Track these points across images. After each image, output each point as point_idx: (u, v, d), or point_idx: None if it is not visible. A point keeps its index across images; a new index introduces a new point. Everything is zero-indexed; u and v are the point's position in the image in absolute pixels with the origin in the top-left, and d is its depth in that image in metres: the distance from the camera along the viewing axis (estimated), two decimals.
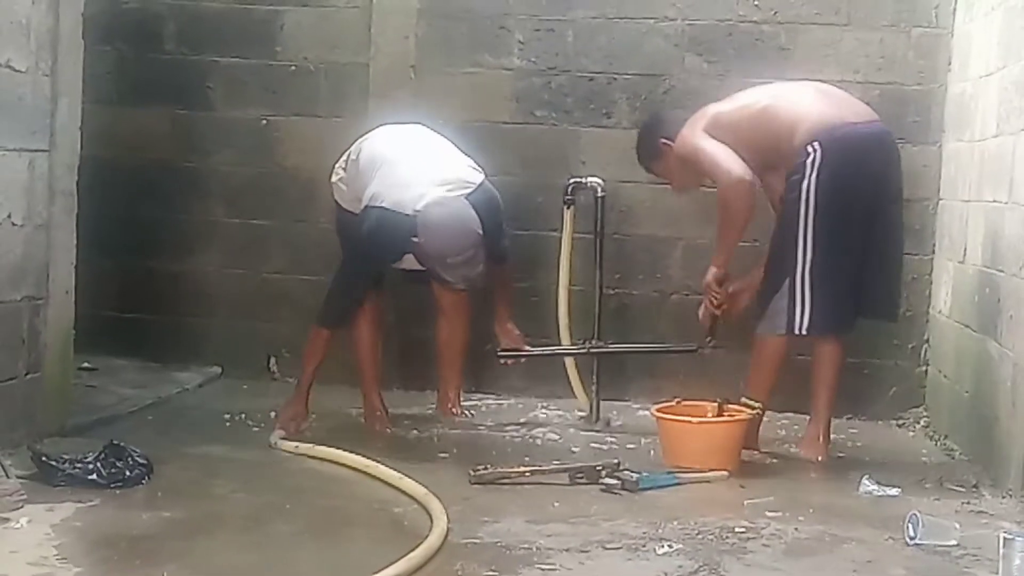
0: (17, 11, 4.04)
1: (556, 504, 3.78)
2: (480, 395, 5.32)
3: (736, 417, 4.37)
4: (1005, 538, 3.15)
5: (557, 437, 4.75)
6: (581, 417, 5.00)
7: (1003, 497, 3.97)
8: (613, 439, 4.73)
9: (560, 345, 5.12)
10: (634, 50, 5.37)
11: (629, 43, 5.38)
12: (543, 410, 5.19)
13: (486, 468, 4.02)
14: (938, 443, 4.86)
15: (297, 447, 4.31)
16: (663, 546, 3.38)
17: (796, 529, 3.61)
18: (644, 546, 3.38)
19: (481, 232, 4.37)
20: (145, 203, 5.59)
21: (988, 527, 3.60)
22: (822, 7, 5.29)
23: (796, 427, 4.85)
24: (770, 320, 4.44)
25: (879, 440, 4.95)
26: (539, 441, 4.69)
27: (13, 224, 4.05)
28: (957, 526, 3.52)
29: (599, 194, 5.10)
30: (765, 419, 4.61)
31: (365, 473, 4.01)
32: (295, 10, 5.55)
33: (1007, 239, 4.23)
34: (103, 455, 3.79)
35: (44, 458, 3.76)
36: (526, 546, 3.34)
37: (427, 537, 3.28)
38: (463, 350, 5.00)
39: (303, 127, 5.55)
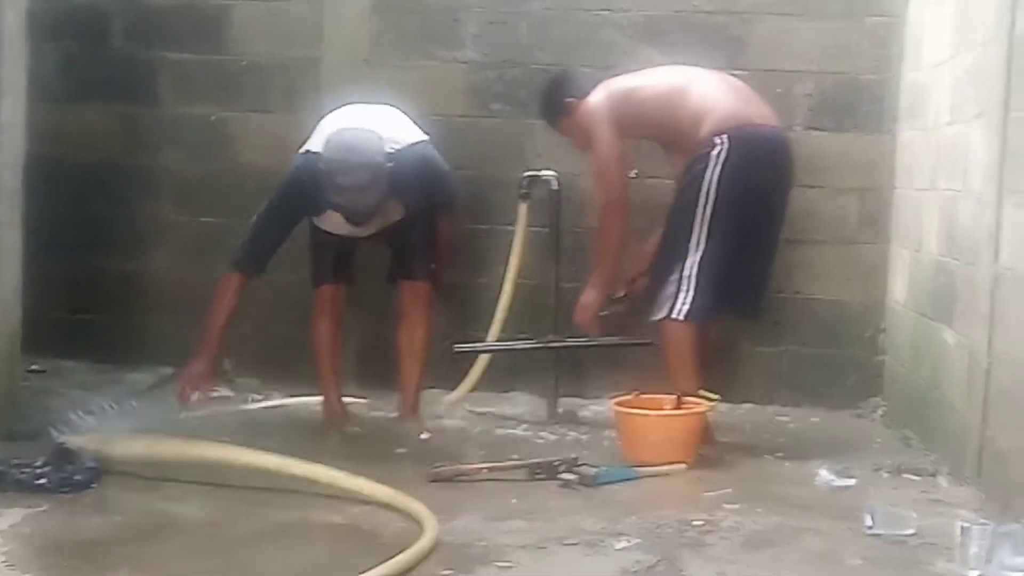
0: None
1: (514, 501, 3.76)
2: (438, 390, 5.27)
3: (694, 409, 4.36)
4: (963, 527, 3.16)
5: (517, 432, 4.73)
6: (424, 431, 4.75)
7: (960, 485, 3.97)
8: (574, 434, 4.71)
9: (503, 340, 5.09)
10: (588, 42, 5.34)
11: (583, 35, 5.35)
12: (503, 405, 5.14)
13: (444, 465, 4.00)
14: (895, 432, 4.87)
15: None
16: (621, 541, 3.37)
17: (754, 521, 3.60)
18: (602, 541, 3.37)
19: (385, 164, 4.40)
20: (94, 201, 5.50)
21: (945, 516, 3.60)
22: None
23: (755, 418, 4.84)
24: (661, 306, 4.45)
25: (837, 430, 4.96)
26: (499, 437, 4.66)
27: None
28: (914, 515, 3.53)
29: (554, 187, 5.08)
30: (721, 409, 4.59)
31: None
32: (245, 4, 5.47)
33: (962, 228, 4.24)
34: (52, 459, 3.72)
35: None
36: (483, 543, 3.32)
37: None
38: (424, 355, 4.90)
39: (256, 123, 5.48)
